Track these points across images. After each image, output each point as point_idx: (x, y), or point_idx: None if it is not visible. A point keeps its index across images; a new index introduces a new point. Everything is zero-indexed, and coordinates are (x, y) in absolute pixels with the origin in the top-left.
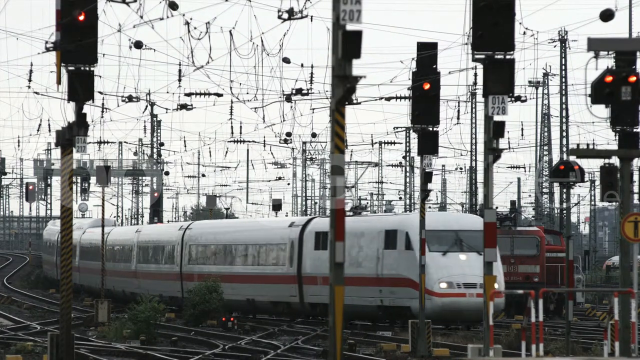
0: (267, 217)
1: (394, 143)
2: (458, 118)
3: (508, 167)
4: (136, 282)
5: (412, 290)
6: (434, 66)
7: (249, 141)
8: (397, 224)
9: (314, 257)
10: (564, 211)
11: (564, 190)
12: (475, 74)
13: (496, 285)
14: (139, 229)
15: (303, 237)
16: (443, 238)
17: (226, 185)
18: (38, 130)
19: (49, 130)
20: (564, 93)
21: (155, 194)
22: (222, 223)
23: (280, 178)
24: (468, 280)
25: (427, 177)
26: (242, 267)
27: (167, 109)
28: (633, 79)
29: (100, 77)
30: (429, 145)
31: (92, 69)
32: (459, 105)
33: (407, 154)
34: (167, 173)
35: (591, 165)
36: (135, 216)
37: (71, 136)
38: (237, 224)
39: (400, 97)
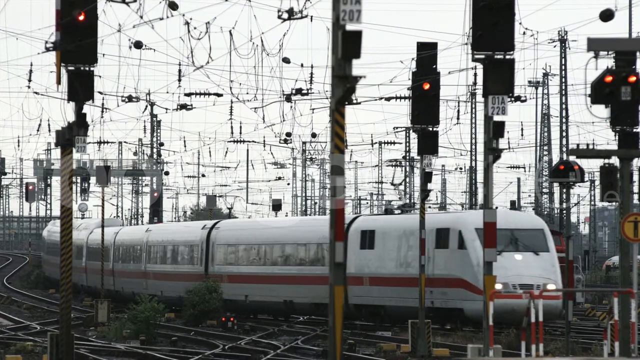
0: (309, 216)
1: (394, 143)
2: (458, 118)
3: (508, 167)
4: (147, 283)
5: (465, 291)
6: (434, 66)
7: (249, 141)
8: (449, 222)
9: (360, 256)
10: (564, 211)
11: (564, 190)
12: (475, 74)
13: (553, 286)
14: (150, 228)
15: (348, 235)
16: (497, 237)
17: (226, 185)
18: (38, 130)
19: (49, 130)
20: (564, 93)
21: (155, 194)
22: (254, 222)
23: (280, 178)
24: (524, 282)
25: (427, 177)
26: (278, 267)
27: (167, 109)
28: (633, 79)
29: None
30: (429, 145)
31: (92, 69)
32: (459, 105)
33: (407, 154)
34: (167, 173)
35: (591, 165)
36: (135, 216)
37: (71, 136)
38: (270, 223)
39: (400, 97)
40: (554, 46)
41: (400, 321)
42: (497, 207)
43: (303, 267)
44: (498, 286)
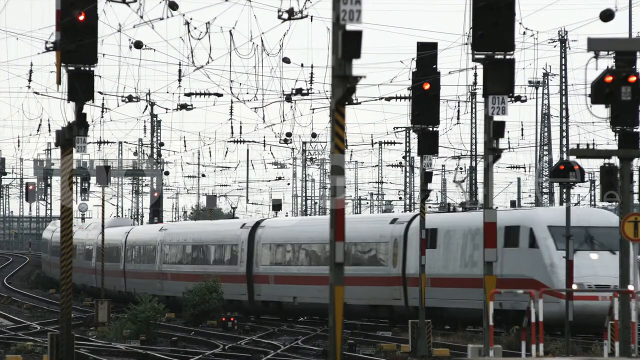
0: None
1: (394, 143)
2: (458, 118)
3: (508, 167)
4: (163, 284)
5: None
6: (434, 66)
7: (249, 141)
8: (519, 219)
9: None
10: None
11: (564, 190)
12: (475, 74)
13: (631, 287)
14: (164, 227)
15: (408, 234)
16: (572, 235)
17: (226, 185)
18: (38, 130)
19: (49, 130)
20: (564, 93)
21: (155, 194)
22: (302, 220)
23: (280, 178)
24: (600, 282)
25: (427, 177)
26: (327, 267)
27: (167, 109)
28: (633, 79)
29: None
30: (429, 145)
31: (92, 69)
32: (459, 105)
33: (407, 154)
34: (167, 173)
35: (591, 165)
36: (135, 216)
37: (71, 136)
38: (320, 221)
39: (400, 97)
40: (554, 46)
41: (462, 324)
42: (497, 207)
43: (358, 268)
44: (572, 287)
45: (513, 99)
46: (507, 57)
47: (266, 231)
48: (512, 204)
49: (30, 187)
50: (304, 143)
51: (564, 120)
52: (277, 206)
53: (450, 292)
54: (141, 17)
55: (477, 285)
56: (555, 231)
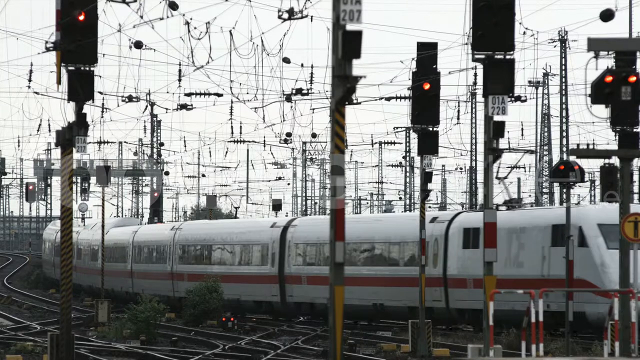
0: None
1: (394, 143)
2: (458, 118)
3: (508, 167)
4: (177, 285)
5: (586, 293)
6: (434, 66)
7: (249, 141)
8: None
9: (462, 256)
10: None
11: (564, 190)
12: (475, 74)
13: None
14: (178, 226)
15: (449, 233)
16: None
17: (226, 185)
18: (38, 130)
19: (49, 130)
20: (564, 93)
21: (155, 194)
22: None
23: (280, 178)
24: None
25: (427, 177)
26: (367, 268)
27: (167, 109)
28: (633, 79)
29: (100, 77)
30: (429, 145)
31: (92, 69)
32: (459, 105)
33: (407, 154)
34: (167, 173)
35: (591, 165)
36: (135, 216)
37: (71, 136)
38: (356, 219)
39: (400, 97)
40: (554, 46)
41: (507, 327)
42: (497, 207)
43: (397, 268)
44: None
45: (513, 99)
46: (507, 57)
47: (298, 230)
48: None
49: (30, 187)
50: (304, 143)
51: (564, 120)
52: (277, 206)
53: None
54: (141, 17)
55: (522, 287)
56: (606, 229)
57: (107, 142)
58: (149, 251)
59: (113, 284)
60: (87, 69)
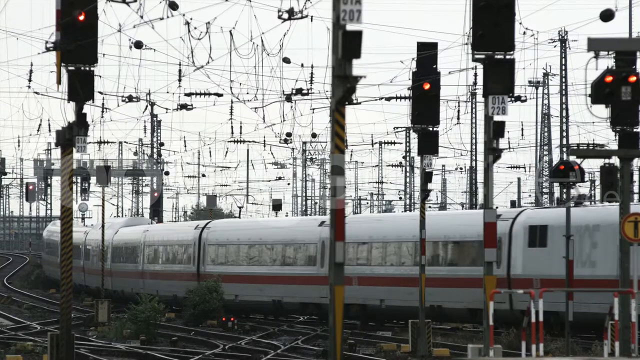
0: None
1: (394, 143)
2: (458, 118)
3: (508, 167)
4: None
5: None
6: (434, 66)
7: (249, 141)
8: None
9: (528, 255)
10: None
11: (564, 190)
12: (475, 74)
13: None
14: (206, 225)
15: (513, 232)
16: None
17: (226, 185)
18: (38, 130)
19: (49, 130)
20: (564, 93)
21: (155, 194)
22: (387, 217)
23: (280, 178)
24: None
25: (427, 177)
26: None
27: (167, 109)
28: (633, 79)
29: (100, 77)
30: (429, 145)
31: (92, 69)
32: (459, 105)
33: (407, 154)
34: (167, 173)
35: (591, 165)
36: (135, 216)
37: (71, 136)
38: (408, 218)
39: (400, 97)
40: (554, 46)
41: (583, 329)
42: (497, 207)
43: (456, 268)
44: None
45: (513, 99)
46: (507, 57)
47: (348, 229)
48: (512, 204)
49: (30, 187)
50: (304, 143)
51: (564, 120)
52: (277, 206)
53: (563, 295)
54: (141, 17)
55: (597, 287)
56: None
57: (107, 142)
58: (167, 251)
59: (123, 285)
60: (87, 69)
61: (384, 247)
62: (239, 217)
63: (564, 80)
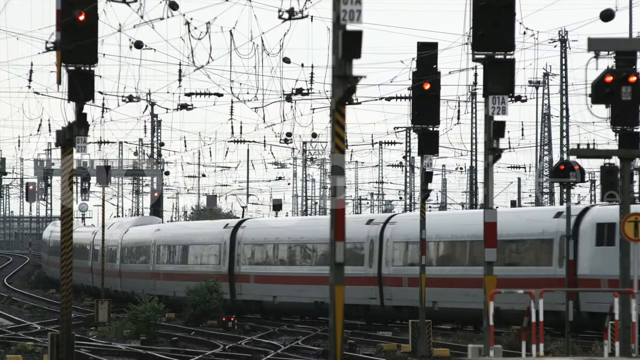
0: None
1: (394, 143)
2: (458, 118)
3: (508, 167)
4: (241, 288)
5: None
6: (434, 66)
7: (249, 141)
8: None
9: (596, 254)
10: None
11: (564, 190)
12: (475, 74)
13: None
14: (240, 224)
15: (579, 229)
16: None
17: (226, 185)
18: (38, 130)
19: (49, 130)
20: (564, 93)
21: (156, 194)
22: (441, 216)
23: (280, 178)
24: None
25: (427, 177)
26: (481, 268)
27: (167, 109)
28: (633, 79)
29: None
30: (429, 145)
31: (92, 69)
32: (459, 105)
33: (407, 154)
34: (167, 173)
35: (591, 165)
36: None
37: (71, 136)
38: (466, 215)
39: (401, 97)
40: (555, 46)
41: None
42: (497, 207)
43: (515, 268)
44: None
45: (513, 99)
46: (507, 57)
47: (398, 228)
48: (513, 203)
49: (31, 187)
50: (304, 143)
51: (564, 120)
52: (277, 206)
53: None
54: (141, 17)
55: None
56: None
57: (107, 142)
58: (186, 251)
59: (133, 286)
60: (87, 69)
61: (438, 246)
62: (242, 217)
63: (564, 80)
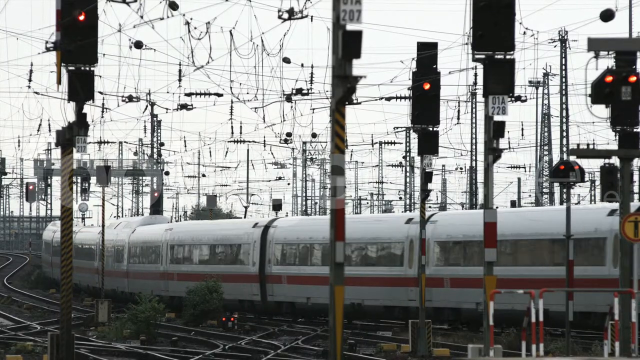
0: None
1: (394, 143)
2: (458, 118)
3: (508, 167)
4: (273, 288)
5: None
6: (434, 66)
7: (249, 141)
8: None
9: None
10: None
11: (564, 190)
12: (475, 74)
13: None
14: (271, 223)
15: None
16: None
17: (226, 185)
18: (38, 130)
19: (49, 130)
20: (564, 93)
21: (155, 194)
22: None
23: (280, 178)
24: None
25: (427, 177)
26: (525, 268)
27: (167, 109)
28: (633, 79)
29: (100, 77)
30: (429, 145)
31: (92, 68)
32: (459, 105)
33: (407, 154)
34: (167, 173)
35: (591, 165)
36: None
37: (71, 136)
38: (511, 213)
39: (400, 97)
40: (555, 46)
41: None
42: (497, 207)
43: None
44: None
45: (513, 99)
46: (507, 57)
47: (440, 227)
48: (513, 203)
49: (30, 187)
50: (304, 143)
51: (564, 120)
52: (277, 206)
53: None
54: (141, 17)
55: None
56: None
57: (107, 142)
58: (204, 251)
59: (141, 287)
60: (87, 69)
61: (476, 246)
62: (244, 216)
63: (564, 80)
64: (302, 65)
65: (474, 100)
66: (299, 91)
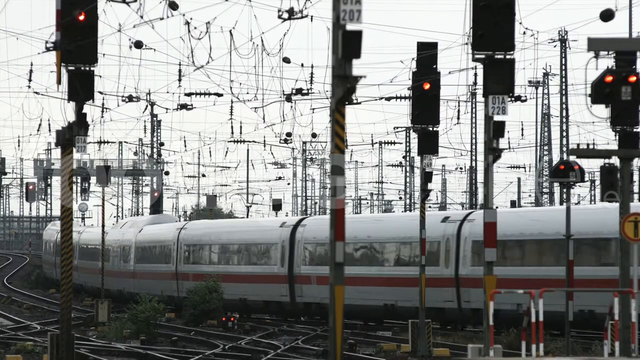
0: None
1: (394, 143)
2: (458, 118)
3: (508, 167)
4: (302, 289)
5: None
6: (434, 66)
7: (249, 141)
8: None
9: None
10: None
11: (564, 190)
12: (475, 74)
13: None
14: (300, 222)
15: None
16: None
17: (226, 185)
18: (38, 130)
19: (49, 130)
20: (564, 93)
21: (155, 194)
22: (523, 211)
23: (280, 178)
24: None
25: (427, 177)
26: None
27: (167, 109)
28: (633, 79)
29: (100, 77)
30: (429, 145)
31: (92, 68)
32: (459, 105)
33: (407, 154)
34: (167, 173)
35: (591, 165)
36: (136, 216)
37: (71, 136)
38: (548, 211)
39: (400, 97)
40: (554, 46)
41: None
42: (497, 207)
43: (612, 268)
44: None
45: (513, 98)
46: (507, 57)
47: (478, 225)
48: (512, 203)
49: (30, 187)
50: (304, 143)
51: (564, 120)
52: (277, 206)
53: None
54: (141, 17)
55: None
56: None
57: (107, 142)
58: (229, 251)
59: (149, 287)
60: (87, 69)
61: (516, 245)
62: (247, 216)
63: (564, 80)
64: (302, 65)
65: (474, 100)
66: (299, 91)
